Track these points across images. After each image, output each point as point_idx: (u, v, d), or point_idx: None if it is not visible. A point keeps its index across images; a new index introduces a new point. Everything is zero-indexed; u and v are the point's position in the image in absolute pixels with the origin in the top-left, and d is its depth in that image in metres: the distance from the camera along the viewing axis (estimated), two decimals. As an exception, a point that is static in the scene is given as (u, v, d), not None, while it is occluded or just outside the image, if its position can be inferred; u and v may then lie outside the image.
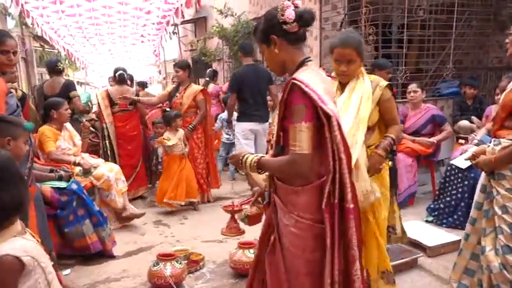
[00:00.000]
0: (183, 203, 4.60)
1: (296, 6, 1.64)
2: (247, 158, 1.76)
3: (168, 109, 5.30)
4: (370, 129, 2.34)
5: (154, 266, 2.89)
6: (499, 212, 2.14)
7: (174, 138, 4.57)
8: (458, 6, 5.39)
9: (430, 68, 5.61)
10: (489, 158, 2.22)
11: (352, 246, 1.62)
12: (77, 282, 3.09)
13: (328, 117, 1.56)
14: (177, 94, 4.93)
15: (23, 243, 1.26)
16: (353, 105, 2.26)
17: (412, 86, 4.62)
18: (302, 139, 1.54)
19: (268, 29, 1.68)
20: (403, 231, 2.96)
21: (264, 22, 1.71)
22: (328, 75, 2.07)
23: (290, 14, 1.61)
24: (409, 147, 4.45)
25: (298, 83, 1.55)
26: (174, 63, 4.59)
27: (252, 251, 3.07)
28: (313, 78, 1.61)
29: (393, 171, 2.63)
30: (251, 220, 2.05)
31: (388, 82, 2.44)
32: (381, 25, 5.10)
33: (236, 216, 2.38)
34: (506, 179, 2.15)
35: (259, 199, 2.06)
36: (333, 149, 1.57)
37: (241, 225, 2.26)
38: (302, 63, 1.69)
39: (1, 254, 1.22)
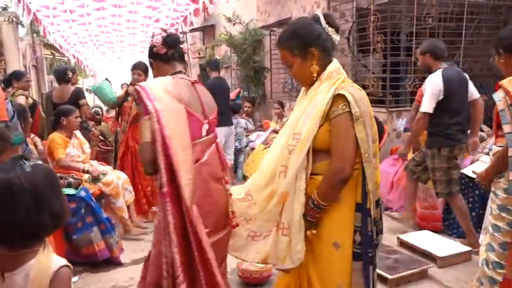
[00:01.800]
0: None
1: (165, 32, 2.04)
2: None
3: None
4: (320, 151, 1.73)
5: (161, 274, 2.88)
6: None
7: None
8: (468, 14, 5.37)
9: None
10: (481, 173, 2.26)
11: (188, 235, 1.71)
12: (85, 290, 3.09)
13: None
14: (128, 98, 4.64)
15: (62, 258, 1.27)
16: (295, 120, 1.78)
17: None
18: (144, 130, 1.75)
19: (149, 55, 2.10)
20: None
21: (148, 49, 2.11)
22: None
23: (157, 39, 2.01)
24: (418, 155, 4.40)
25: (138, 87, 1.81)
26: (132, 65, 4.54)
27: (259, 260, 3.05)
28: (157, 82, 1.87)
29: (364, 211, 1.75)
30: None
31: (346, 92, 1.67)
32: (390, 33, 5.10)
33: None
34: (498, 199, 2.20)
35: None
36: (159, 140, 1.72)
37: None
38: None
39: (59, 265, 1.22)
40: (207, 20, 10.40)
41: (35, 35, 11.19)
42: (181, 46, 2.11)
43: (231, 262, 3.30)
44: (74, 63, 10.92)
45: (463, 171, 3.87)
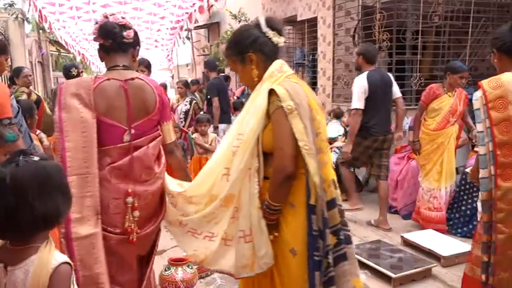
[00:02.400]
0: None
1: (106, 18, 1.92)
2: None
3: None
4: (271, 154, 1.69)
5: (165, 270, 2.89)
6: None
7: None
8: (474, 12, 5.34)
9: (444, 75, 5.55)
10: (471, 171, 2.25)
11: None
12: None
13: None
14: None
15: (64, 255, 1.27)
16: (240, 121, 1.79)
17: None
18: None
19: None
20: None
21: None
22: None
23: (95, 28, 1.91)
24: (423, 154, 4.39)
25: (58, 87, 1.85)
26: None
27: (263, 257, 3.05)
28: (73, 84, 1.83)
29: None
30: None
31: (279, 86, 1.66)
32: (395, 31, 5.08)
33: None
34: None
35: None
36: None
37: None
38: (109, 69, 1.93)
39: (59, 262, 1.21)
40: (212, 18, 10.41)
41: (40, 31, 11.24)
42: (123, 34, 1.91)
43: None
44: (80, 59, 10.97)
45: (468, 170, 3.85)
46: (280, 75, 1.74)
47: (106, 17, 1.92)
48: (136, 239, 1.87)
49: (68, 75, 4.94)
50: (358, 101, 3.86)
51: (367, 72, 3.90)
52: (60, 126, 1.73)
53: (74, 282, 1.27)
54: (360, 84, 3.86)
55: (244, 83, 1.89)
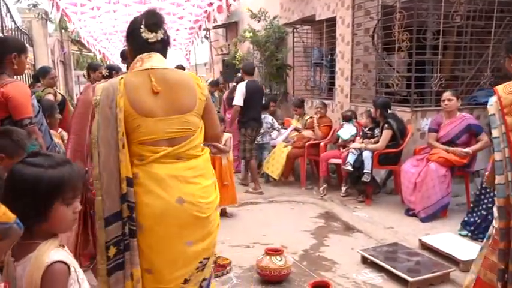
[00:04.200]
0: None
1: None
2: None
3: None
4: None
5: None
6: None
7: None
8: (498, 12, 5.21)
9: (466, 76, 5.44)
10: (486, 177, 2.27)
11: None
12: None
13: None
14: None
15: (66, 255, 1.24)
16: None
17: (447, 94, 4.49)
18: None
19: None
20: None
21: None
22: None
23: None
24: (443, 157, 4.32)
25: None
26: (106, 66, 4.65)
27: (279, 258, 3.06)
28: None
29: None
30: None
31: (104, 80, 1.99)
32: (415, 31, 5.00)
33: None
34: None
35: None
36: None
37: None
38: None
39: (52, 260, 1.18)
40: (231, 17, 10.43)
41: (63, 31, 11.47)
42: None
43: (251, 259, 3.34)
44: (100, 58, 11.16)
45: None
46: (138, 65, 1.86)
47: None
48: None
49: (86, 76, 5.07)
50: (239, 100, 5.55)
51: (246, 81, 5.65)
52: None
53: (79, 281, 1.24)
54: (241, 89, 5.57)
55: None
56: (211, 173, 1.94)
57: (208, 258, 1.90)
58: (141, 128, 1.74)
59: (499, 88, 2.01)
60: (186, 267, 1.82)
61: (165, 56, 1.92)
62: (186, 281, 1.83)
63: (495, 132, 1.99)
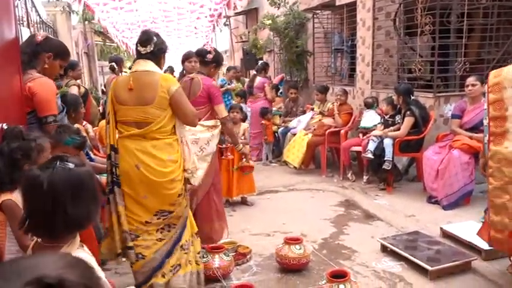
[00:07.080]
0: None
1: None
2: None
3: None
4: None
5: (203, 257, 2.99)
6: None
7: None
8: (527, -9, 5.01)
9: (493, 58, 5.27)
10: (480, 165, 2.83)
11: None
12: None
13: None
14: None
15: (86, 255, 1.29)
16: None
17: (470, 79, 4.37)
18: None
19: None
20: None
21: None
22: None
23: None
24: (466, 143, 4.23)
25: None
26: (187, 53, 4.55)
27: (298, 247, 3.10)
28: None
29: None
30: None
31: None
32: (439, 14, 4.86)
33: None
34: None
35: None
36: None
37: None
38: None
39: None
40: (250, 4, 10.36)
41: (86, 22, 11.67)
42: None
43: (271, 247, 3.39)
44: (124, 48, 11.32)
45: None
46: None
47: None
48: None
49: (110, 68, 5.18)
50: None
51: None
52: None
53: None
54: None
55: None
56: (172, 152, 2.51)
57: (164, 212, 2.51)
58: (119, 112, 2.52)
59: (491, 73, 2.56)
60: (144, 214, 2.51)
61: (158, 60, 2.59)
62: (147, 222, 2.52)
63: (485, 106, 2.58)
